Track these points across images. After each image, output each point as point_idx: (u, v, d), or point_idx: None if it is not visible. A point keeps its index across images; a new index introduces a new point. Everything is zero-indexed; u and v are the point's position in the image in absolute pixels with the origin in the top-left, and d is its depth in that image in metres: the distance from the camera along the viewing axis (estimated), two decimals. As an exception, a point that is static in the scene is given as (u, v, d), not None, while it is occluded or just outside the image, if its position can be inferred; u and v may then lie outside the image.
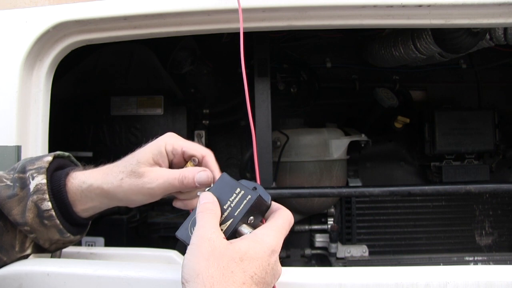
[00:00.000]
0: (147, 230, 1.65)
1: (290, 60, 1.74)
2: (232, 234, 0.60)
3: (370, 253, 1.58)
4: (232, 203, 0.61)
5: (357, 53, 1.80)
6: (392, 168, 1.86)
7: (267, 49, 1.42)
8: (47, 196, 0.69)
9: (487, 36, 1.27)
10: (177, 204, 0.72)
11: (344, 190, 1.23)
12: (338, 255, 1.59)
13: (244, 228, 0.60)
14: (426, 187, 1.21)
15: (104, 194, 0.70)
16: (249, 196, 0.60)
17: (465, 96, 1.84)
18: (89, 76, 1.57)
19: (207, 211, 0.60)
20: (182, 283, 0.55)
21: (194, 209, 0.63)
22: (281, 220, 0.61)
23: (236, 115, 1.72)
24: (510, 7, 0.89)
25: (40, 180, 0.69)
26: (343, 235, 1.62)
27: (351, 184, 1.69)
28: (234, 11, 0.88)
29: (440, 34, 1.23)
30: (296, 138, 1.56)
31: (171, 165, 0.71)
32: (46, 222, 0.69)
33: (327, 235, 1.64)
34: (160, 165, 0.69)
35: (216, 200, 0.62)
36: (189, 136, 1.59)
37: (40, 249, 0.74)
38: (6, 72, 0.89)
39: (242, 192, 0.61)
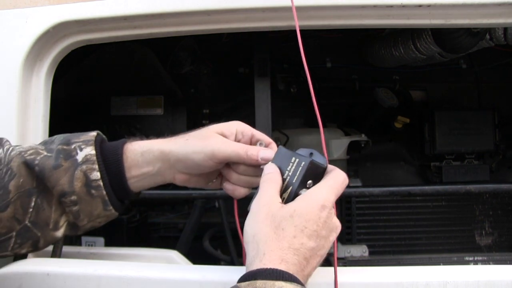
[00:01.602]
0: (147, 230, 1.65)
1: (290, 60, 1.74)
2: (294, 199, 0.64)
3: (370, 253, 1.57)
4: (290, 172, 0.66)
5: (357, 53, 1.79)
6: (392, 168, 1.85)
7: (267, 49, 1.42)
8: (96, 166, 0.70)
9: (487, 36, 1.27)
10: (227, 186, 0.75)
11: (344, 190, 1.22)
12: (338, 255, 1.59)
13: (303, 192, 0.64)
14: (426, 187, 1.21)
15: (162, 157, 0.71)
16: (303, 163, 0.66)
17: (465, 96, 1.83)
18: (89, 76, 1.57)
19: (268, 181, 0.65)
20: (243, 246, 0.61)
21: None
22: (332, 180, 0.65)
23: (236, 115, 1.72)
24: (510, 7, 0.89)
25: (89, 151, 0.71)
26: (343, 235, 1.61)
27: (351, 184, 1.68)
28: (234, 11, 0.88)
29: (440, 34, 1.23)
30: (296, 138, 1.55)
31: None
32: (93, 191, 0.70)
33: (327, 235, 1.63)
34: (227, 137, 0.72)
35: (278, 170, 0.66)
36: (189, 136, 1.59)
37: (73, 229, 0.75)
38: (6, 72, 0.89)
39: (297, 160, 0.66)
